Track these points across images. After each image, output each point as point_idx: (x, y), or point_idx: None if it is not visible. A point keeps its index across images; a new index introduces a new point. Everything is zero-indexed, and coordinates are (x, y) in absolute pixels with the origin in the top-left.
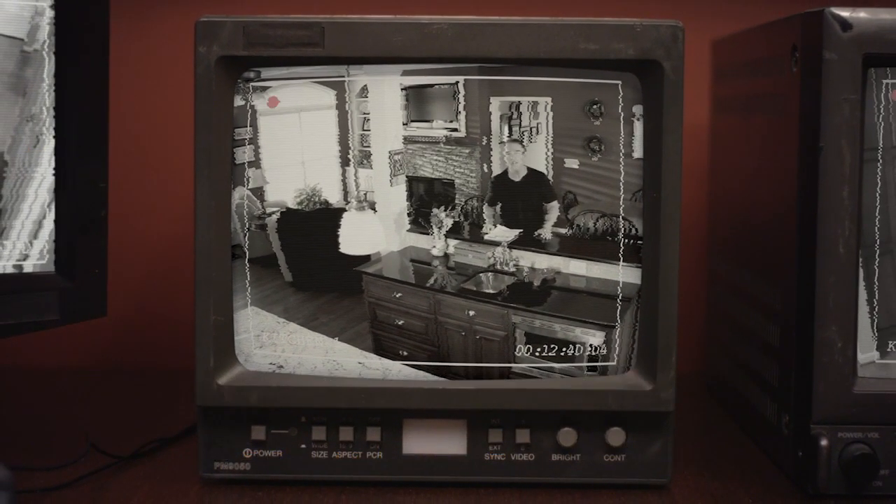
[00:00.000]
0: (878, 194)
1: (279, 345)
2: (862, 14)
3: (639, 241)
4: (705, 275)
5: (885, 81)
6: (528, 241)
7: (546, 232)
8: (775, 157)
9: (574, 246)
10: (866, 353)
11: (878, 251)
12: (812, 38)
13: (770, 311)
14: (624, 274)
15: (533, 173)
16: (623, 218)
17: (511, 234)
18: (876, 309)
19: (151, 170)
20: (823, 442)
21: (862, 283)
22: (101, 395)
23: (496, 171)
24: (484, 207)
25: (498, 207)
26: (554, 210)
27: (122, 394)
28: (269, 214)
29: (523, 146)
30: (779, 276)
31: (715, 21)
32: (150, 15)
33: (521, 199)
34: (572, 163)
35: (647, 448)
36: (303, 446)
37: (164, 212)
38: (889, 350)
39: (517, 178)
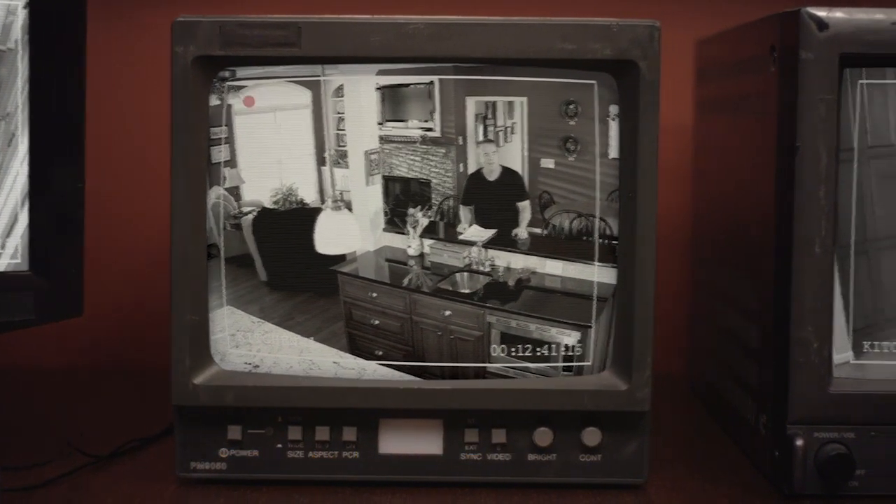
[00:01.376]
0: (853, 194)
1: (255, 344)
2: (838, 14)
3: (614, 242)
4: (689, 276)
5: (860, 82)
6: (503, 241)
7: (521, 231)
8: (755, 158)
9: (550, 246)
10: (841, 353)
11: (853, 251)
12: (789, 38)
13: (749, 312)
14: (599, 274)
15: (507, 172)
16: (599, 218)
17: (486, 233)
18: (851, 309)
19: (128, 169)
20: (799, 442)
21: (837, 284)
22: (78, 394)
23: (471, 169)
24: (459, 207)
25: (472, 207)
26: (527, 210)
27: (99, 393)
28: (245, 214)
29: (497, 146)
30: (757, 276)
31: (700, 20)
32: (127, 14)
33: (495, 199)
34: (548, 163)
35: (624, 448)
36: (279, 446)
37: (140, 211)
38: (864, 350)
39: (492, 178)
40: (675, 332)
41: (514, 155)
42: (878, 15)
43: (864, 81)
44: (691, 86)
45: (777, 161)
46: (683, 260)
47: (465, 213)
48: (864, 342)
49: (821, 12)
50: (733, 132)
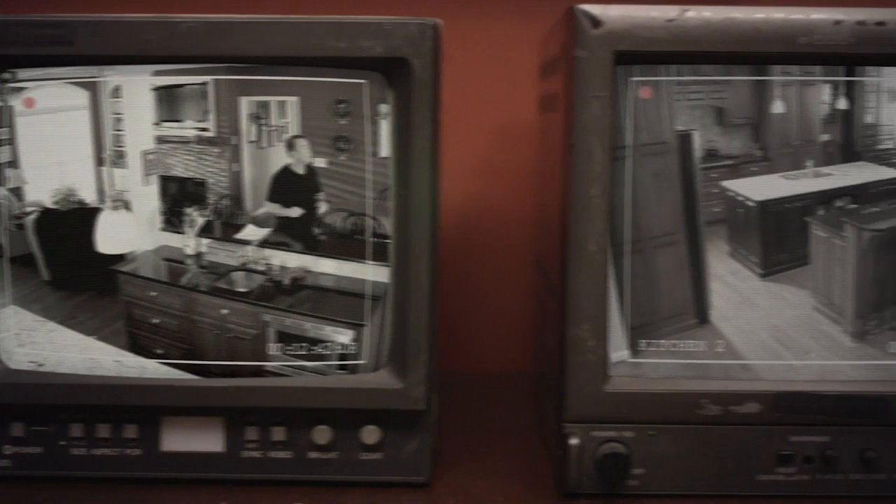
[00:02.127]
0: (629, 193)
1: (39, 343)
2: (612, 11)
3: (386, 240)
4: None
5: (632, 79)
6: (277, 240)
7: (316, 227)
8: (558, 157)
9: (323, 245)
10: (618, 351)
11: (629, 250)
12: (569, 36)
13: (549, 311)
14: (373, 273)
15: (311, 168)
16: (371, 217)
17: (261, 232)
18: (628, 307)
19: None
20: (573, 441)
21: (613, 282)
22: None
23: (278, 165)
24: (266, 203)
25: (277, 204)
26: (322, 206)
27: None
28: (28, 214)
29: (308, 142)
30: (553, 275)
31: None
32: None
33: (296, 195)
34: (321, 162)
35: (404, 447)
36: (62, 443)
37: None
38: (641, 349)
39: (300, 171)
40: (523, 332)
41: (285, 155)
42: (652, 12)
43: (637, 79)
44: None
45: (562, 160)
46: (531, 259)
47: (271, 208)
48: (641, 340)
49: (595, 9)
50: (550, 130)
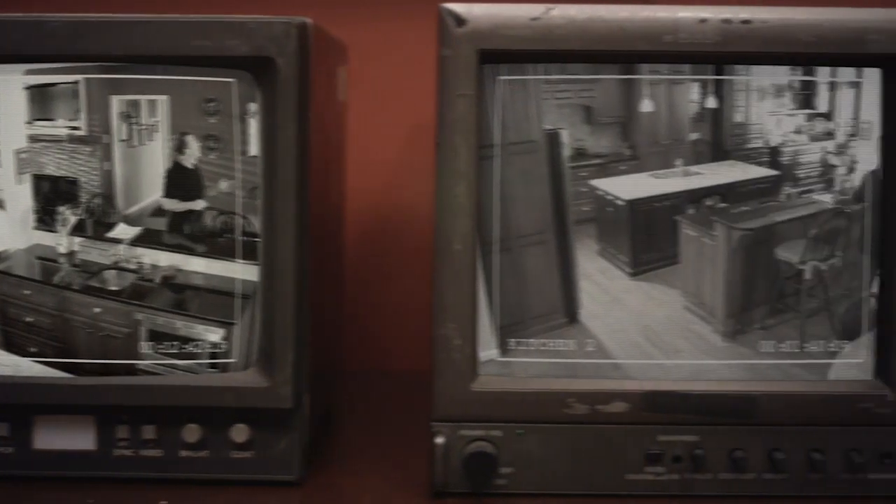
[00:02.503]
0: (497, 191)
1: None
2: (476, 10)
3: (256, 239)
4: None
5: (500, 78)
6: (149, 239)
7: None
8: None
9: (194, 243)
10: (487, 350)
11: (498, 248)
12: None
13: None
14: (243, 271)
15: (195, 165)
16: (240, 215)
17: (132, 231)
18: (497, 306)
19: None
20: (438, 440)
21: (482, 281)
22: None
23: (168, 163)
24: (163, 200)
25: (175, 200)
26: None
27: None
28: None
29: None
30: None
31: None
32: None
33: (190, 190)
34: (192, 160)
35: (274, 445)
36: None
37: None
38: (510, 348)
39: (189, 164)
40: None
41: (157, 154)
42: (516, 11)
43: (504, 77)
44: None
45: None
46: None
47: (170, 205)
48: (511, 339)
49: (459, 8)
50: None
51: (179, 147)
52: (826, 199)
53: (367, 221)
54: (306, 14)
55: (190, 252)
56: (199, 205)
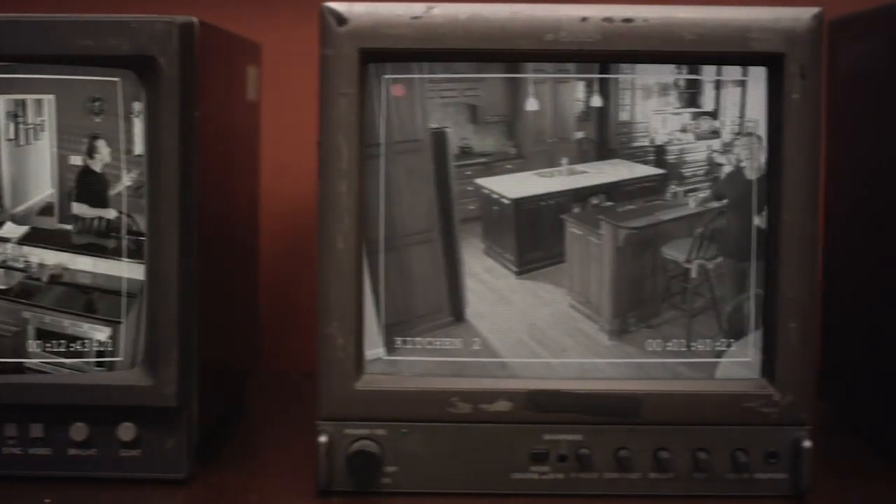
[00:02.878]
0: (382, 190)
1: None
2: (357, 8)
3: (141, 238)
4: None
5: (384, 76)
6: (36, 238)
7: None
8: None
9: (80, 242)
10: (374, 349)
11: (383, 247)
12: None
13: None
14: (129, 270)
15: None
16: (126, 214)
17: (20, 230)
18: (382, 305)
19: None
20: (322, 438)
21: (368, 280)
22: None
23: (79, 162)
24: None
25: (85, 204)
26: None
27: None
28: None
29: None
30: None
31: None
32: None
33: (99, 195)
34: (76, 160)
35: (162, 443)
36: None
37: None
38: (396, 346)
39: (97, 169)
40: None
41: (43, 153)
42: (397, 10)
43: (388, 76)
44: None
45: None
46: None
47: (78, 209)
48: (397, 338)
49: (340, 7)
50: None
51: (89, 151)
52: (712, 197)
53: (285, 222)
54: (219, 15)
55: (77, 251)
56: (110, 213)
